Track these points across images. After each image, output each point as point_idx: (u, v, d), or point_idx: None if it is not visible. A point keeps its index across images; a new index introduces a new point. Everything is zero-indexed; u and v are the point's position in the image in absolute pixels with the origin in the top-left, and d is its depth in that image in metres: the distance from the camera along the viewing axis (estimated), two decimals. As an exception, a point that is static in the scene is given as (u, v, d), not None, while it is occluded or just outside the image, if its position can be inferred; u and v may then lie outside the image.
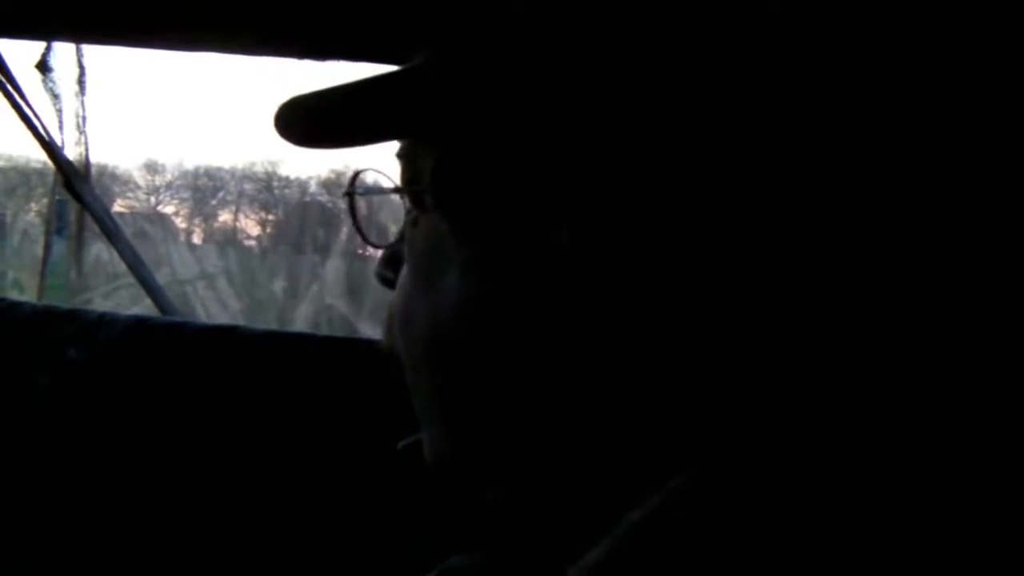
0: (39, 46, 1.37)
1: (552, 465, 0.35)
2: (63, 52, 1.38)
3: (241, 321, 1.69)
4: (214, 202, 2.45)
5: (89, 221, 1.41)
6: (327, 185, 2.30)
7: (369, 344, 1.25)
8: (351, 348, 1.16)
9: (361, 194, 0.42)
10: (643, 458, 0.34)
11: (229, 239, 2.35)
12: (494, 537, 0.39)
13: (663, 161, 0.32)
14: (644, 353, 0.33)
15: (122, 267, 1.36)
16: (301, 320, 1.78)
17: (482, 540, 0.40)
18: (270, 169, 2.41)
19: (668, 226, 0.32)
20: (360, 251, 2.10)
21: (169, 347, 1.16)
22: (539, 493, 0.36)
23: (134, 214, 2.35)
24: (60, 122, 1.36)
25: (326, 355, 1.12)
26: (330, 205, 2.22)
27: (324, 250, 1.97)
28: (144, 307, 1.41)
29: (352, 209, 0.43)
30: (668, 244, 0.32)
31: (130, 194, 2.44)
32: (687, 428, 0.33)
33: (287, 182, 2.40)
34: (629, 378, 0.33)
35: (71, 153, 1.36)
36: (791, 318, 0.32)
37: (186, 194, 2.47)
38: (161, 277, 1.45)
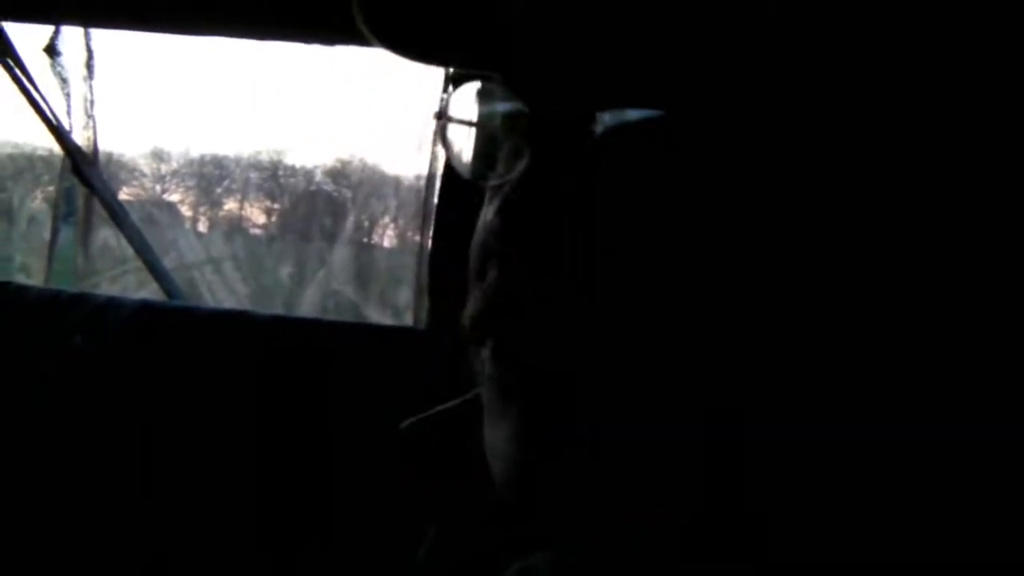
0: (47, 30, 1.37)
1: (601, 454, 0.35)
2: (71, 36, 1.39)
3: (248, 306, 1.69)
4: (220, 190, 2.45)
5: (96, 206, 1.41)
6: (333, 174, 2.30)
7: (376, 329, 1.25)
8: (358, 333, 1.16)
9: (456, 122, 0.39)
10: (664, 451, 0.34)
11: (235, 228, 2.35)
12: (565, 534, 0.38)
13: (666, 162, 0.32)
14: (676, 349, 0.33)
15: (129, 251, 1.36)
16: (307, 306, 1.78)
17: (552, 537, 0.39)
18: (276, 158, 2.40)
19: (680, 228, 0.32)
20: (366, 240, 2.10)
21: (176, 331, 1.16)
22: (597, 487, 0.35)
23: (140, 202, 2.36)
24: (68, 106, 1.37)
25: (333, 339, 1.12)
26: (336, 194, 2.22)
27: (330, 238, 1.97)
28: (151, 291, 1.42)
29: (443, 138, 0.39)
30: (684, 245, 0.32)
31: (135, 182, 2.44)
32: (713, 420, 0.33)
33: (293, 171, 2.40)
34: (660, 373, 0.33)
35: (79, 137, 1.37)
36: (798, 320, 0.32)
37: (192, 182, 2.47)
38: (168, 262, 1.45)
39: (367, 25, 0.35)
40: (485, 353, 0.36)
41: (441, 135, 0.39)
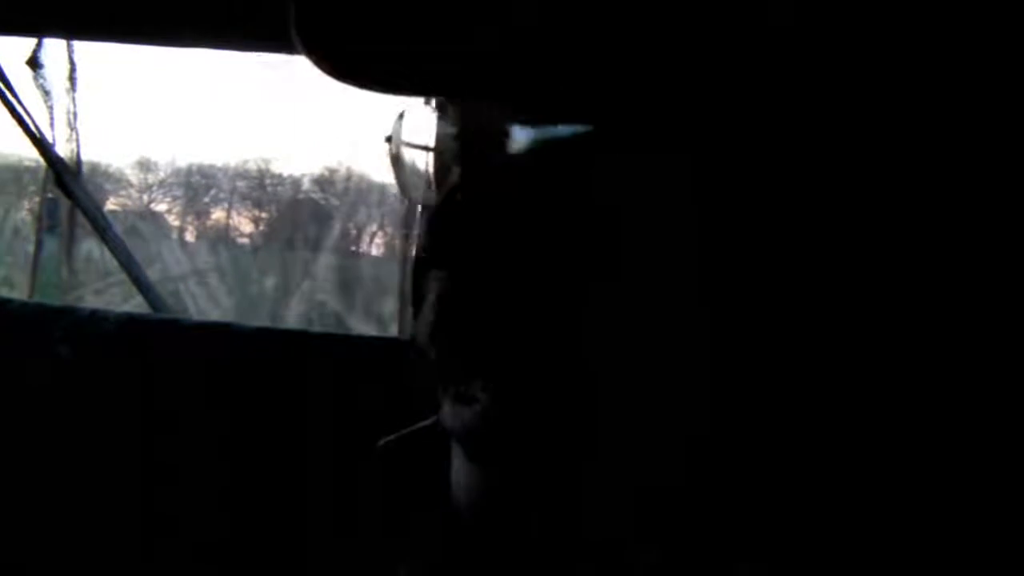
0: (30, 43, 1.37)
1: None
2: (54, 49, 1.39)
3: (232, 318, 1.69)
4: (207, 200, 2.45)
5: (80, 218, 1.41)
6: (320, 182, 2.30)
7: (361, 340, 1.25)
8: (343, 344, 1.16)
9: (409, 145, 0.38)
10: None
11: (222, 237, 2.35)
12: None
13: (671, 167, 0.32)
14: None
15: (114, 264, 1.36)
16: (293, 316, 1.78)
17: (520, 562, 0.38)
18: (263, 167, 2.41)
19: (666, 239, 0.32)
20: (353, 248, 2.10)
21: (160, 344, 1.16)
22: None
23: (127, 212, 2.35)
24: (51, 119, 1.36)
25: (318, 351, 1.12)
26: (323, 202, 2.22)
27: (316, 247, 1.97)
28: (136, 304, 1.41)
29: (396, 161, 0.38)
30: (670, 257, 0.32)
31: (123, 192, 2.44)
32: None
33: (280, 179, 2.40)
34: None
35: (62, 150, 1.36)
36: (805, 325, 0.32)
37: (179, 192, 2.47)
38: (153, 274, 1.45)
39: (304, 46, 0.34)
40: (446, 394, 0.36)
41: (394, 158, 0.38)
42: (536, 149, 0.33)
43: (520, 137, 0.33)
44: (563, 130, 0.32)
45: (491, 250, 0.33)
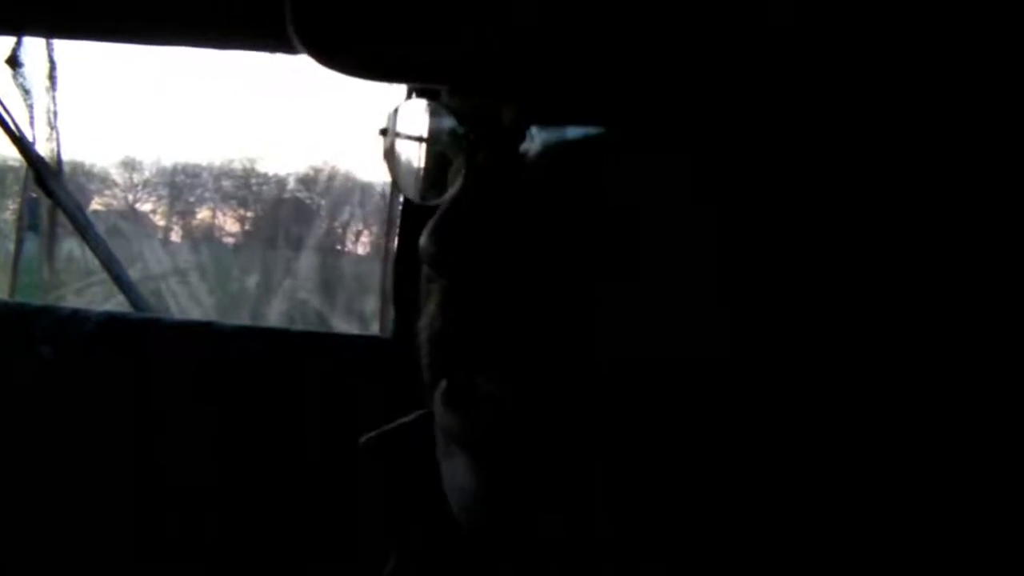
0: (9, 41, 1.36)
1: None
2: (33, 47, 1.38)
3: (214, 316, 1.69)
4: (192, 199, 2.44)
5: (61, 217, 1.40)
6: (305, 182, 2.30)
7: (342, 338, 1.25)
8: (324, 342, 1.16)
9: (408, 138, 0.37)
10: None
11: (207, 236, 2.34)
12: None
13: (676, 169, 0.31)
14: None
15: (95, 263, 1.36)
16: (274, 315, 1.77)
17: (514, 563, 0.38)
18: (248, 166, 2.40)
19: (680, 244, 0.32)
20: (339, 247, 2.10)
21: (142, 342, 1.16)
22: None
23: (111, 211, 2.34)
24: (31, 118, 1.36)
25: (299, 349, 1.12)
26: (307, 201, 2.22)
27: (298, 245, 1.97)
28: (117, 303, 1.41)
29: (390, 155, 0.37)
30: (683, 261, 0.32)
31: (107, 192, 2.43)
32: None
33: (265, 179, 2.39)
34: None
35: (43, 149, 1.36)
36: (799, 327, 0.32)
37: (164, 191, 2.46)
38: (134, 273, 1.44)
39: (299, 36, 0.33)
40: (436, 393, 0.35)
41: (388, 152, 0.38)
42: (546, 150, 0.32)
43: (530, 137, 0.32)
44: (573, 130, 0.32)
45: (504, 255, 0.32)
